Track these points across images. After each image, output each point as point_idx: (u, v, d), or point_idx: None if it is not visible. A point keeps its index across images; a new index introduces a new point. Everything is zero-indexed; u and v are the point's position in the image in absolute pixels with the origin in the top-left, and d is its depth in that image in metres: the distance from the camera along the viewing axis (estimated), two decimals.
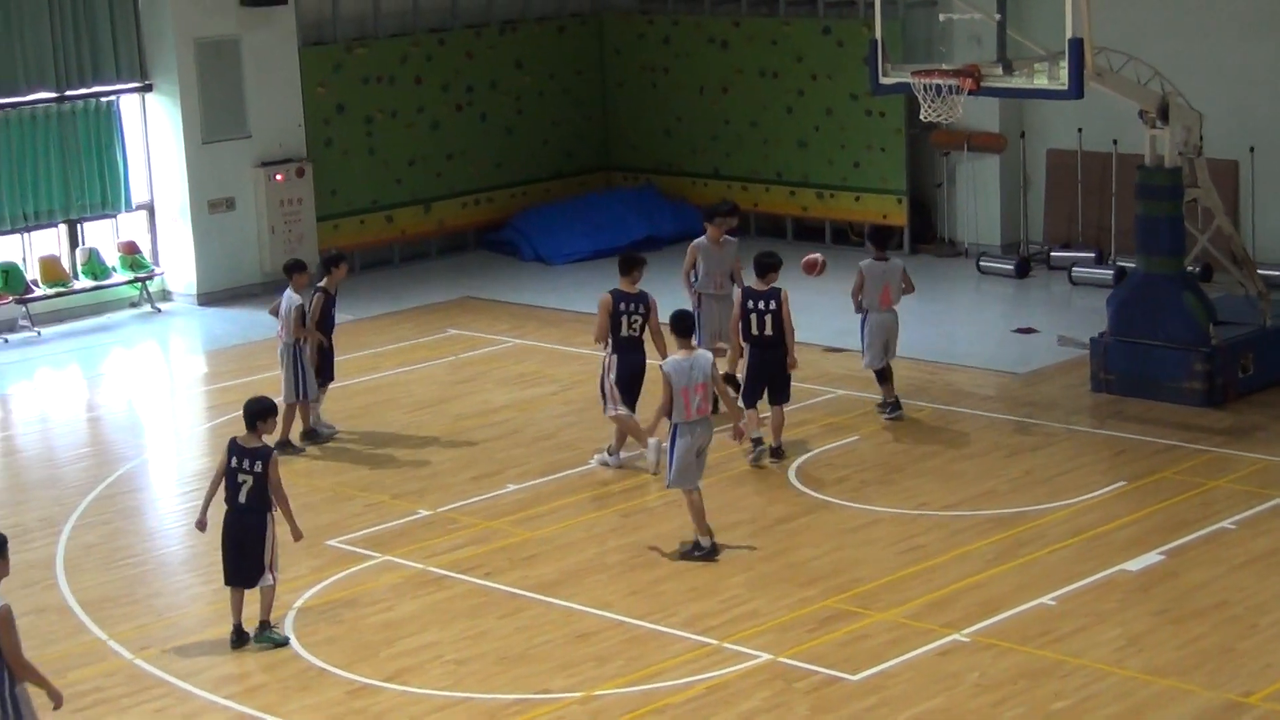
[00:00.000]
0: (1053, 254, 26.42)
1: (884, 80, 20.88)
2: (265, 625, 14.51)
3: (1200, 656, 13.71)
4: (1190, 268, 21.20)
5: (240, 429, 14.61)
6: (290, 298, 19.15)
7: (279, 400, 18.04)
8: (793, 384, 18.56)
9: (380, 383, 21.86)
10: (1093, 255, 26.00)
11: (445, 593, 15.41)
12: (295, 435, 19.31)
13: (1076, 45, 19.15)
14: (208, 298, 26.33)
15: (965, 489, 17.52)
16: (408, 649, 14.40)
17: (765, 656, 13.97)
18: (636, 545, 16.32)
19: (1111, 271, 25.25)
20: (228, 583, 14.60)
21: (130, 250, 26.26)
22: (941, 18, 22.24)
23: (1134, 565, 15.43)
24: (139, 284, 26.19)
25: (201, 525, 14.67)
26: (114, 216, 26.18)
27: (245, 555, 14.40)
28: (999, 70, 20.13)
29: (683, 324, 16.08)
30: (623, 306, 18.04)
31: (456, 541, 16.53)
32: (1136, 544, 15.88)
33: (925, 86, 20.19)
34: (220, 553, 14.63)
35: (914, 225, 27.67)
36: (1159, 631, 14.14)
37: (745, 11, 29.35)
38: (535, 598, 15.24)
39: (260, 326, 24.58)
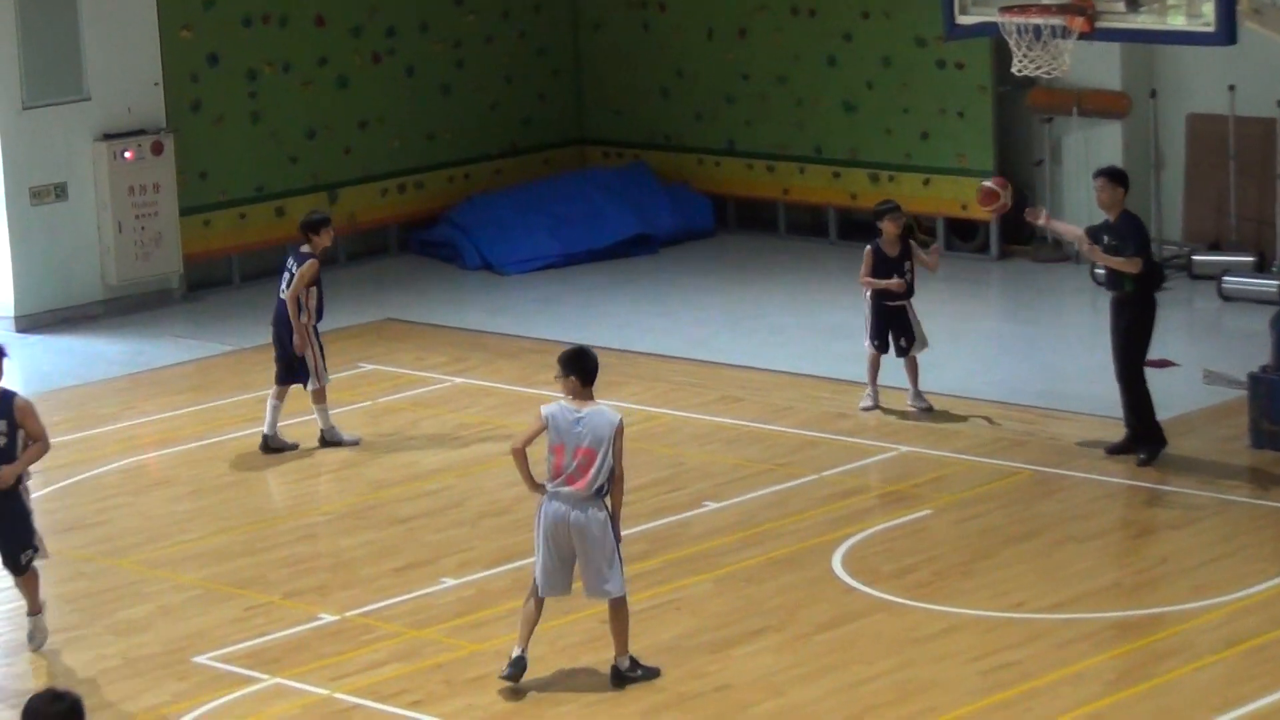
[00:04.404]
0: (1195, 258, 26.46)
1: (962, 19, 20.94)
2: None
3: None
4: None
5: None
6: None
7: None
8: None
9: None
10: (1251, 260, 26.00)
11: None
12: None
13: None
14: (28, 322, 26.35)
15: (1077, 583, 17.46)
16: None
17: None
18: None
19: (1276, 283, 25.27)
20: None
21: None
22: None
23: None
24: None
25: None
26: None
27: None
28: (1120, 6, 20.16)
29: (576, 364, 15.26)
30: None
31: (374, 657, 16.45)
32: None
33: (1019, 28, 20.23)
34: None
35: (1004, 218, 27.64)
36: None
37: None
38: None
39: (103, 361, 24.50)
